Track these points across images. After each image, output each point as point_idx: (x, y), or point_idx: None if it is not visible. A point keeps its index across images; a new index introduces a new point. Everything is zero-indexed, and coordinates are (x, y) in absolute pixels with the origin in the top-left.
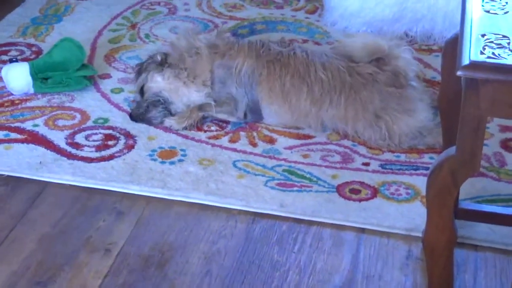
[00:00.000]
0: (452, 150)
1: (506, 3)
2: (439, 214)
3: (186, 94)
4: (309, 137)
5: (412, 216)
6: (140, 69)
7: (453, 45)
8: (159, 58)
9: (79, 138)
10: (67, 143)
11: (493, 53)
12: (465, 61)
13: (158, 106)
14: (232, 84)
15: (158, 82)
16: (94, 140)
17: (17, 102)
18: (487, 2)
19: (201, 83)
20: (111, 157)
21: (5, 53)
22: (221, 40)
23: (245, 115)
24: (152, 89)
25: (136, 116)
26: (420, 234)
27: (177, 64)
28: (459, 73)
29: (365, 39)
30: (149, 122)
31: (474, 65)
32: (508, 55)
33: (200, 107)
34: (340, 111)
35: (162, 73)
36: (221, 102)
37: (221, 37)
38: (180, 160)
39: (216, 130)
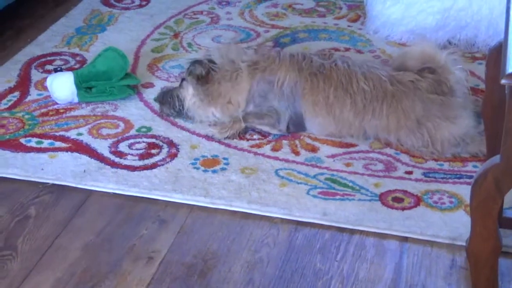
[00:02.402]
0: (496, 158)
1: None
2: (483, 223)
3: (203, 114)
4: (352, 145)
5: (455, 225)
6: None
7: (497, 53)
8: (200, 71)
9: (123, 147)
10: (110, 152)
11: None
12: (510, 69)
13: (174, 108)
14: (274, 97)
15: (187, 92)
16: (137, 149)
17: (61, 111)
18: None
19: (225, 104)
20: (154, 166)
21: (50, 62)
22: (261, 55)
23: (287, 127)
24: (181, 93)
25: (156, 98)
26: (464, 243)
27: (213, 84)
28: (503, 81)
29: (424, 47)
30: (161, 110)
31: None
32: None
33: (243, 118)
34: (383, 120)
35: (195, 88)
36: (262, 114)
37: (262, 52)
38: (222, 169)
39: (259, 139)
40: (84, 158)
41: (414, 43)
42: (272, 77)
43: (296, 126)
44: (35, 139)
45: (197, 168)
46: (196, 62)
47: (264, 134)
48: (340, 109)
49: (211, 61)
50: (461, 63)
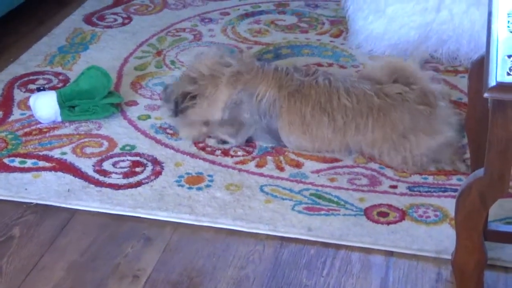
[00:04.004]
0: (480, 172)
1: None
2: (468, 236)
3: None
4: (336, 160)
5: (441, 239)
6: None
7: (480, 66)
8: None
9: (107, 165)
10: (94, 171)
11: None
12: (492, 83)
13: (172, 107)
14: (247, 110)
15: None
16: (121, 167)
17: (45, 130)
18: None
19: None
20: (138, 184)
21: (33, 82)
22: (245, 66)
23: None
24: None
25: (162, 91)
26: (449, 257)
27: (201, 93)
28: (486, 94)
29: (387, 60)
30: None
31: (501, 87)
32: None
33: (205, 123)
34: (368, 135)
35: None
36: (224, 122)
37: (246, 63)
38: (207, 186)
39: (243, 155)
40: (68, 177)
41: (376, 59)
42: (253, 90)
43: (275, 140)
44: (18, 159)
45: (182, 186)
46: (168, 98)
47: (248, 151)
48: (317, 128)
49: (184, 94)
50: (439, 75)
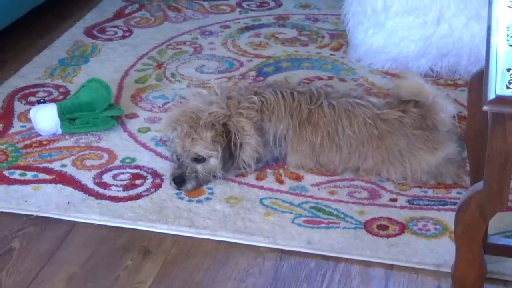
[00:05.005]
0: (479, 185)
1: None
2: (468, 250)
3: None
4: (336, 173)
5: (440, 252)
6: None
7: (479, 80)
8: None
9: (107, 178)
10: (94, 183)
11: None
12: (491, 96)
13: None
14: (266, 146)
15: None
16: (121, 180)
17: (45, 142)
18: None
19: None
20: (138, 196)
21: (33, 94)
22: (250, 103)
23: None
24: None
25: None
26: (449, 270)
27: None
28: (485, 107)
29: (413, 82)
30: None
31: (500, 100)
32: None
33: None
34: (368, 161)
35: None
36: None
37: (248, 100)
38: (207, 199)
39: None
40: (68, 190)
41: (403, 75)
42: (267, 126)
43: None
44: (18, 171)
45: (182, 198)
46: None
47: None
48: (326, 157)
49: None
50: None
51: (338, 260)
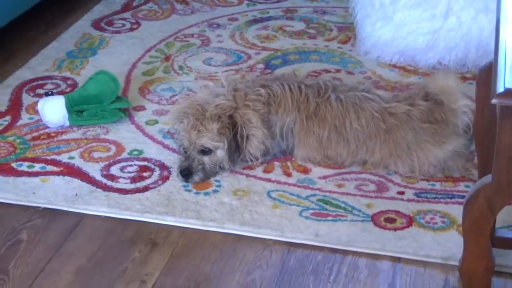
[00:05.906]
0: (488, 178)
1: None
2: (476, 243)
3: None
4: (344, 166)
5: (448, 245)
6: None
7: (487, 73)
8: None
9: (114, 170)
10: (102, 175)
11: None
12: (500, 89)
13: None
14: (273, 138)
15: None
16: (129, 172)
17: (53, 135)
18: None
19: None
20: (146, 189)
21: (41, 86)
22: (256, 95)
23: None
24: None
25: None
26: (457, 263)
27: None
28: (494, 101)
29: (449, 81)
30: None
31: (509, 93)
32: None
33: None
34: (375, 155)
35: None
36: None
37: (257, 93)
38: (214, 191)
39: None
40: (76, 182)
41: (437, 76)
42: (273, 119)
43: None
44: (26, 163)
45: (189, 191)
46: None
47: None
48: (334, 150)
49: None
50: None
51: (345, 252)
